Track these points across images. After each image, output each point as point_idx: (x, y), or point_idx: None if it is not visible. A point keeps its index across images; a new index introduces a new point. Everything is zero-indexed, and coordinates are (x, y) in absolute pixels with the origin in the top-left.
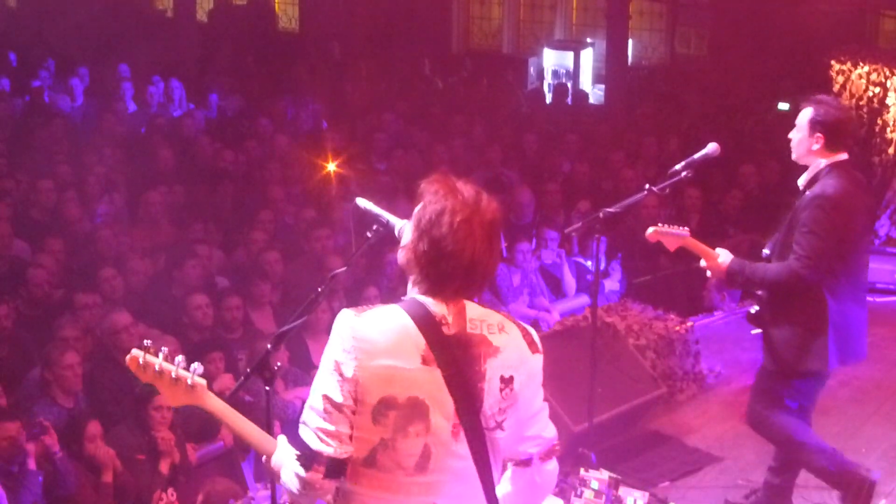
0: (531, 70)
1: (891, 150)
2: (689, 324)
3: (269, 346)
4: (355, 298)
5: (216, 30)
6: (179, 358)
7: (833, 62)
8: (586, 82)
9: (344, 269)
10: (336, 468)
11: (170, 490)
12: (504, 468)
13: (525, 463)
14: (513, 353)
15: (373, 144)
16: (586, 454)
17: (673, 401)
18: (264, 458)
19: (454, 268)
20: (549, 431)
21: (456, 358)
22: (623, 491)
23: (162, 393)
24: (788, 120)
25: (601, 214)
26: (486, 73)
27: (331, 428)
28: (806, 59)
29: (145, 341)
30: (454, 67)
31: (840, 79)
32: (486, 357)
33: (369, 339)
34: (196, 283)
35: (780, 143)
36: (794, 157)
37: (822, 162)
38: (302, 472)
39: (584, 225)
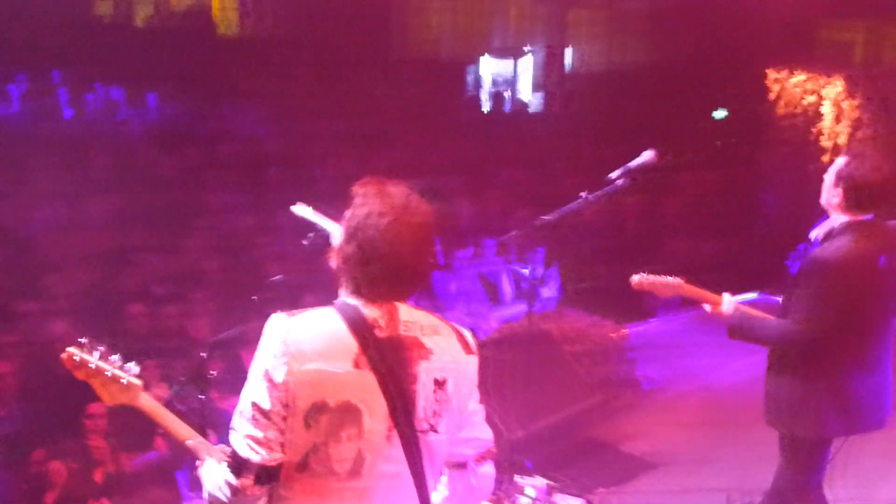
0: (470, 78)
1: (825, 159)
2: (625, 331)
3: (203, 354)
4: (293, 306)
5: (155, 36)
6: (115, 357)
7: (769, 71)
8: (525, 90)
9: (280, 276)
10: (266, 475)
11: (102, 499)
12: (441, 473)
13: (460, 466)
14: (446, 355)
15: (311, 151)
16: (522, 461)
17: (608, 408)
18: (198, 462)
19: (383, 270)
20: (485, 433)
21: (388, 361)
22: (559, 498)
23: (97, 391)
24: (725, 128)
25: (538, 222)
26: (425, 80)
27: (259, 435)
28: (742, 67)
29: (80, 339)
30: (393, 75)
31: (776, 87)
32: (419, 359)
33: (299, 342)
34: (133, 291)
35: (717, 151)
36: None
37: (840, 218)
38: (232, 479)
39: (522, 233)
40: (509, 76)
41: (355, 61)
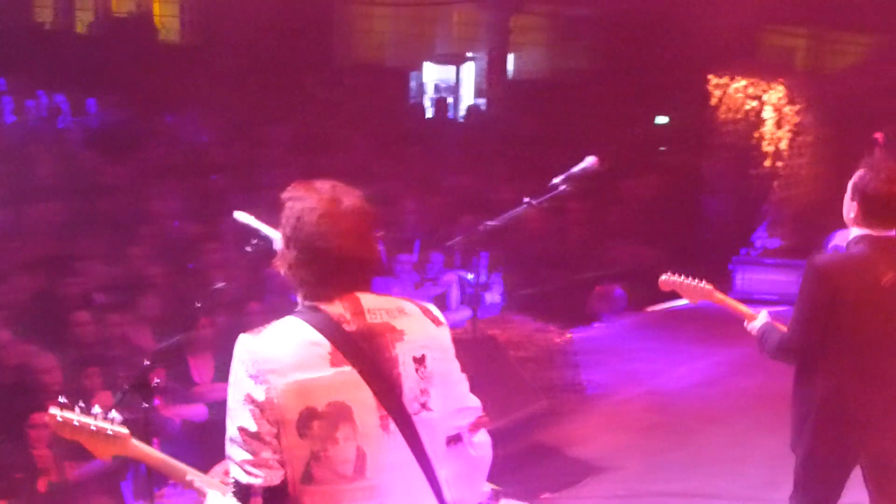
0: (413, 84)
1: (767, 163)
2: (569, 335)
3: (147, 362)
4: (237, 313)
5: (96, 42)
6: (97, 409)
7: (711, 76)
8: (468, 96)
9: (223, 284)
10: (272, 496)
11: None
12: (443, 451)
13: (456, 439)
14: (418, 332)
15: (256, 158)
16: None
17: (554, 412)
18: (202, 499)
19: (328, 265)
20: (473, 401)
21: (365, 352)
22: (505, 503)
23: (87, 447)
24: (667, 134)
25: (482, 228)
26: (369, 86)
27: (255, 458)
28: (684, 73)
29: (60, 398)
30: (337, 81)
31: (718, 93)
32: (394, 342)
33: (271, 358)
34: (77, 299)
35: (660, 156)
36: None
37: (854, 231)
38: None
39: (466, 238)
40: (452, 82)
41: (299, 68)
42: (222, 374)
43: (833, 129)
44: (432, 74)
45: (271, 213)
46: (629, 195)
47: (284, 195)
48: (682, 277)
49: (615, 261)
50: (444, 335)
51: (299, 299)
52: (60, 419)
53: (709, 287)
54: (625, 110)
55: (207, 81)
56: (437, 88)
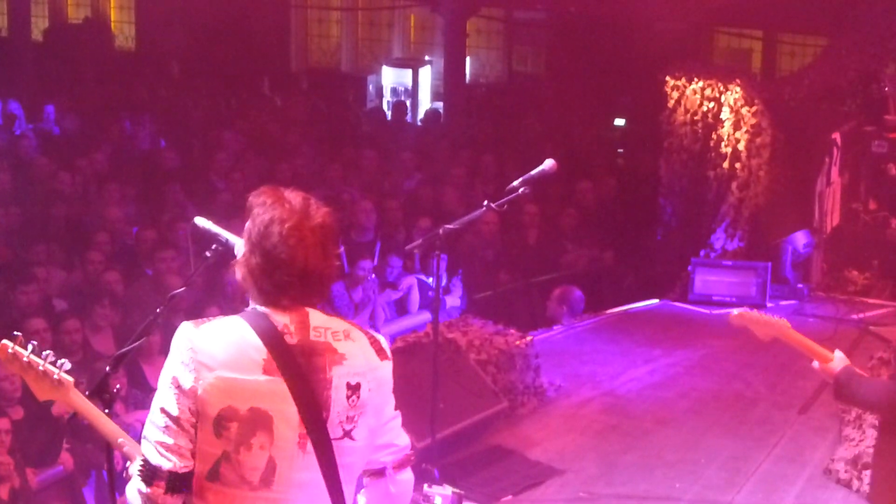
0: (370, 88)
1: (725, 165)
2: (529, 338)
3: (107, 368)
4: (196, 318)
5: (52, 49)
6: (47, 352)
7: (668, 78)
8: (425, 100)
9: (183, 289)
10: (177, 483)
11: None
12: (357, 481)
13: (378, 473)
14: (359, 359)
15: (212, 163)
16: (429, 470)
17: (514, 415)
18: (128, 464)
19: (289, 276)
20: (403, 440)
21: (300, 367)
22: None
23: (29, 385)
24: (624, 136)
25: (441, 231)
26: (325, 91)
27: (170, 442)
28: (641, 75)
29: (14, 332)
30: (293, 86)
31: (675, 94)
32: (332, 365)
33: (207, 351)
34: (34, 306)
35: (617, 158)
36: None
37: None
38: (143, 487)
39: (425, 242)
40: (409, 86)
41: (255, 73)
42: None
43: (789, 130)
44: (390, 78)
45: (227, 217)
46: (586, 197)
47: (253, 199)
48: (757, 312)
49: (573, 263)
50: (386, 369)
51: (250, 302)
52: (11, 351)
53: (784, 322)
54: (582, 113)
55: (163, 87)
56: (394, 92)
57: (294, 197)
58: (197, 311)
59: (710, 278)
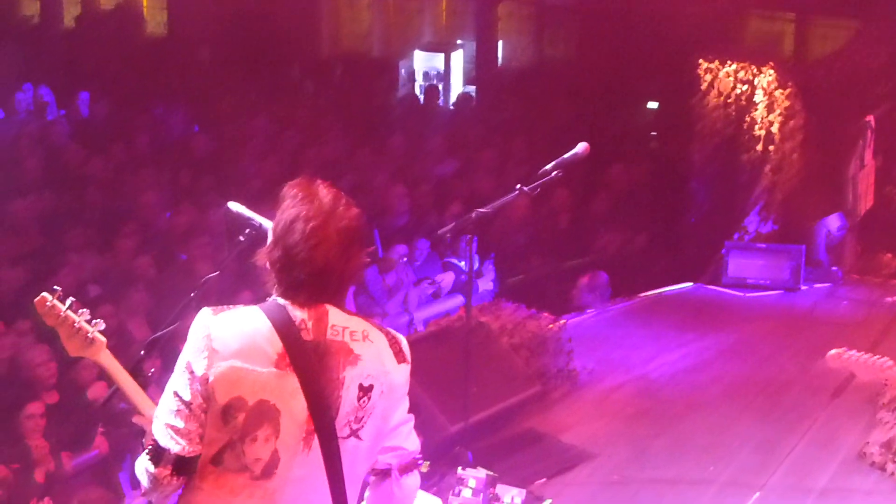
0: (402, 73)
1: (758, 148)
2: (562, 322)
3: (142, 352)
4: (229, 303)
5: (84, 36)
6: (84, 310)
7: (701, 61)
8: (457, 84)
9: (216, 273)
10: (184, 466)
11: (45, 499)
12: (362, 481)
13: (384, 474)
14: (374, 362)
15: (243, 149)
16: (463, 453)
17: (547, 399)
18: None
19: (306, 275)
20: (412, 444)
21: (313, 364)
22: (500, 489)
23: (61, 339)
24: (657, 119)
25: (473, 215)
26: (356, 76)
27: (180, 425)
28: (673, 58)
29: (55, 287)
30: (324, 71)
31: (708, 77)
32: (346, 365)
33: (222, 338)
34: (68, 291)
35: (649, 142)
36: None
37: None
38: (151, 467)
39: (457, 226)
40: (441, 70)
41: (286, 59)
42: None
43: (822, 113)
44: (421, 62)
45: (258, 203)
46: (619, 181)
47: (286, 190)
48: (857, 353)
49: (605, 247)
50: (402, 373)
51: (273, 293)
52: (49, 304)
53: (888, 363)
54: (614, 96)
55: (194, 73)
56: (426, 76)
57: (325, 194)
58: (230, 296)
59: (743, 261)
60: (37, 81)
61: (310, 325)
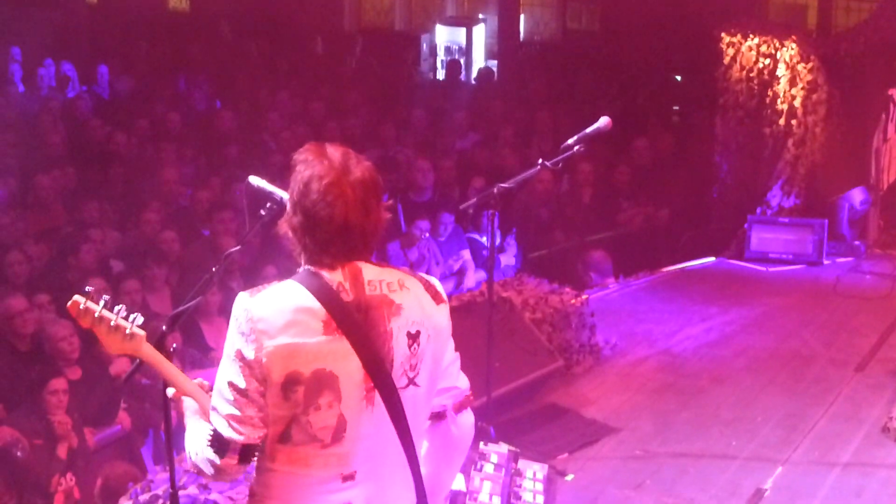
0: (424, 47)
1: (781, 121)
2: (585, 297)
3: (164, 327)
4: (252, 278)
5: (106, 10)
6: (119, 307)
7: (723, 35)
8: (479, 58)
9: (238, 248)
10: (250, 452)
11: (68, 475)
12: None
13: (439, 416)
14: (416, 307)
15: (265, 123)
16: (485, 428)
17: (570, 373)
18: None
19: (329, 234)
20: (463, 382)
21: (359, 323)
22: (522, 464)
23: (100, 340)
24: (680, 93)
25: (495, 190)
26: (379, 50)
27: (240, 414)
28: (696, 32)
29: (87, 287)
30: (346, 45)
31: (731, 51)
32: (390, 316)
33: (265, 318)
34: (91, 267)
35: (672, 116)
36: None
37: None
38: (216, 459)
39: (479, 200)
40: (463, 44)
41: (307, 32)
42: None
43: (845, 86)
44: (443, 37)
45: (280, 177)
46: (642, 155)
47: (295, 157)
48: None
49: (628, 221)
50: (443, 313)
51: (301, 262)
52: (83, 307)
53: None
54: (636, 70)
55: (218, 47)
56: (448, 51)
57: (334, 152)
58: (253, 271)
59: (766, 236)
60: (59, 57)
61: (347, 285)
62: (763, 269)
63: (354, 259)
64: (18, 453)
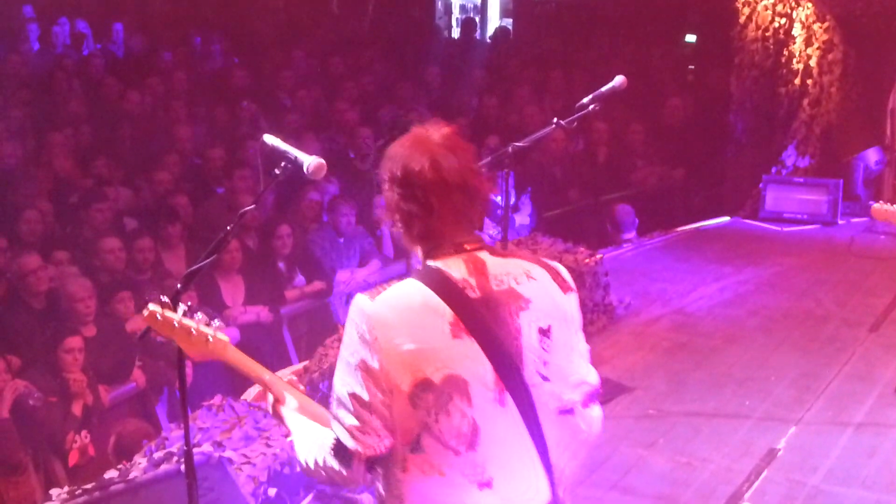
0: (439, 5)
1: (797, 81)
2: (599, 256)
3: (178, 285)
4: (267, 236)
5: None
6: (199, 315)
7: None
8: (494, 17)
9: (253, 206)
10: (376, 462)
11: (83, 432)
12: (553, 423)
13: (568, 411)
14: (545, 300)
15: (280, 81)
16: None
17: (584, 332)
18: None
19: (448, 209)
20: (593, 376)
21: (487, 321)
22: None
23: (181, 347)
24: (695, 52)
25: (510, 149)
26: (394, 8)
27: (363, 426)
28: None
29: (162, 297)
30: (362, 4)
31: (746, 10)
32: (518, 311)
33: (389, 323)
34: (106, 225)
35: (687, 75)
36: None
37: None
38: (343, 470)
39: (493, 159)
40: (479, 2)
41: None
42: (252, 296)
43: (861, 46)
44: None
45: (295, 136)
46: (657, 115)
47: (391, 148)
48: (891, 206)
49: (643, 181)
50: (572, 303)
51: (419, 257)
52: (160, 318)
53: None
54: (652, 29)
55: (232, 6)
56: (463, 9)
57: (429, 132)
58: (269, 230)
59: (781, 195)
60: (73, 15)
61: (472, 281)
62: (777, 228)
63: (471, 241)
64: (31, 402)
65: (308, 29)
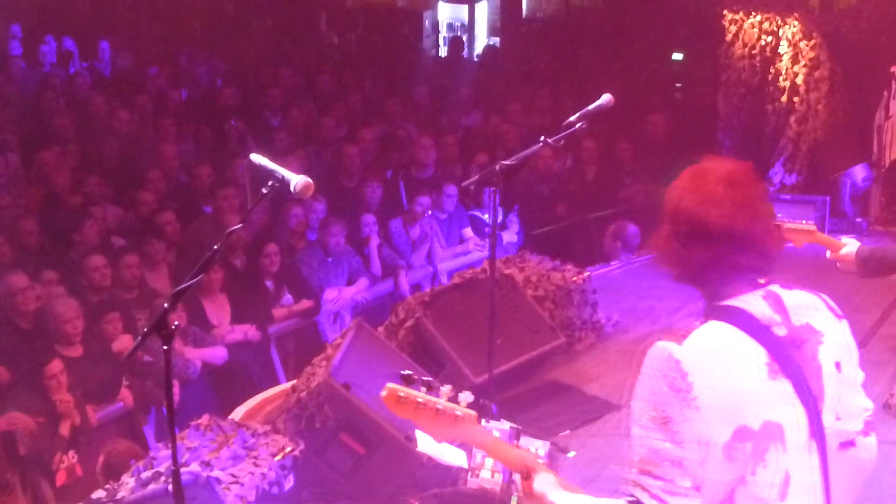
0: (427, 23)
1: (783, 98)
2: (587, 274)
3: (165, 304)
4: (255, 255)
5: None
6: (445, 388)
7: (726, 12)
8: (481, 35)
9: (240, 225)
10: None
11: (70, 452)
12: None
13: (849, 443)
14: (835, 332)
15: (267, 100)
16: (487, 405)
17: (572, 350)
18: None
19: (751, 244)
20: (868, 402)
21: (796, 360)
22: (524, 441)
23: (420, 429)
24: (682, 70)
25: (497, 167)
26: (382, 27)
27: (673, 487)
28: (699, 9)
29: (403, 371)
30: (349, 22)
31: (733, 28)
32: (817, 346)
33: (706, 370)
34: (93, 243)
35: (675, 93)
36: None
37: None
38: None
39: (481, 177)
40: (466, 21)
41: (311, 8)
42: (239, 315)
43: (848, 63)
44: (446, 13)
45: (283, 155)
46: (645, 132)
47: (669, 192)
48: (789, 223)
49: (631, 198)
50: (847, 330)
51: (706, 297)
52: (402, 394)
53: (811, 226)
54: (640, 48)
55: (220, 24)
56: (451, 27)
57: (706, 168)
58: (256, 249)
59: None
60: (61, 33)
61: (777, 318)
62: None
63: (766, 271)
64: (19, 440)
65: (296, 47)
